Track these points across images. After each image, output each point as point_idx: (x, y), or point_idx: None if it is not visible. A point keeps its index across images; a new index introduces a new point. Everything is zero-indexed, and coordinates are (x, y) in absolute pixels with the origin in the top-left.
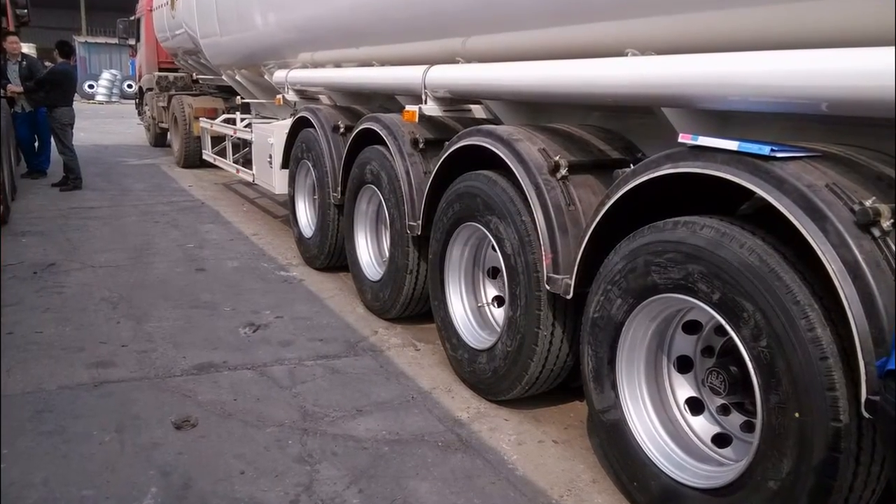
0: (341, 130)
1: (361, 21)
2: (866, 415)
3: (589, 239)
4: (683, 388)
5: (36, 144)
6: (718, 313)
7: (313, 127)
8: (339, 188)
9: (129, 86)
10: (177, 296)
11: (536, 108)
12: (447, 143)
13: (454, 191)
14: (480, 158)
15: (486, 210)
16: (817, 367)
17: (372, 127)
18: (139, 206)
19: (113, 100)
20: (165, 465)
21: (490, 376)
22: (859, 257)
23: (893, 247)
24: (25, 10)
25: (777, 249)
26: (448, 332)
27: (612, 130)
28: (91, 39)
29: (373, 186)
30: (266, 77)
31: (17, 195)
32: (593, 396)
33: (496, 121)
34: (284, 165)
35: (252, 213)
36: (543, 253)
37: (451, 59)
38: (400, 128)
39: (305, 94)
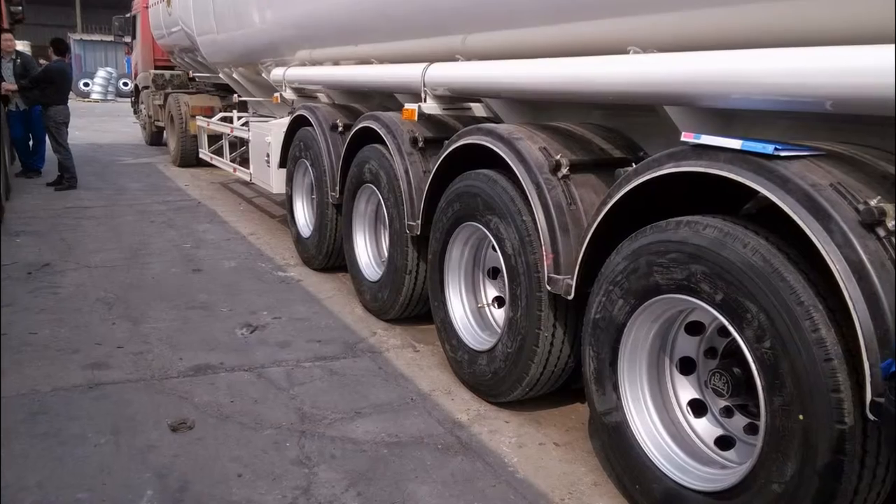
0: (340, 129)
1: (360, 18)
2: (871, 417)
3: (590, 239)
4: (686, 390)
5: (31, 143)
6: (721, 314)
7: (311, 125)
8: (338, 187)
9: (125, 84)
10: (173, 296)
11: (537, 107)
12: (447, 141)
13: (454, 190)
14: (480, 157)
15: (486, 209)
16: (822, 368)
17: (371, 125)
18: (135, 205)
19: (108, 98)
20: (161, 467)
21: (490, 378)
22: (864, 257)
23: None
24: (20, 7)
25: (781, 249)
26: (448, 333)
27: (613, 129)
28: (86, 37)
29: (371, 186)
30: (263, 75)
31: (11, 194)
32: (595, 398)
33: (496, 119)
34: (282, 164)
35: (249, 212)
36: (544, 253)
37: (450, 57)
38: (399, 126)
39: (303, 93)
